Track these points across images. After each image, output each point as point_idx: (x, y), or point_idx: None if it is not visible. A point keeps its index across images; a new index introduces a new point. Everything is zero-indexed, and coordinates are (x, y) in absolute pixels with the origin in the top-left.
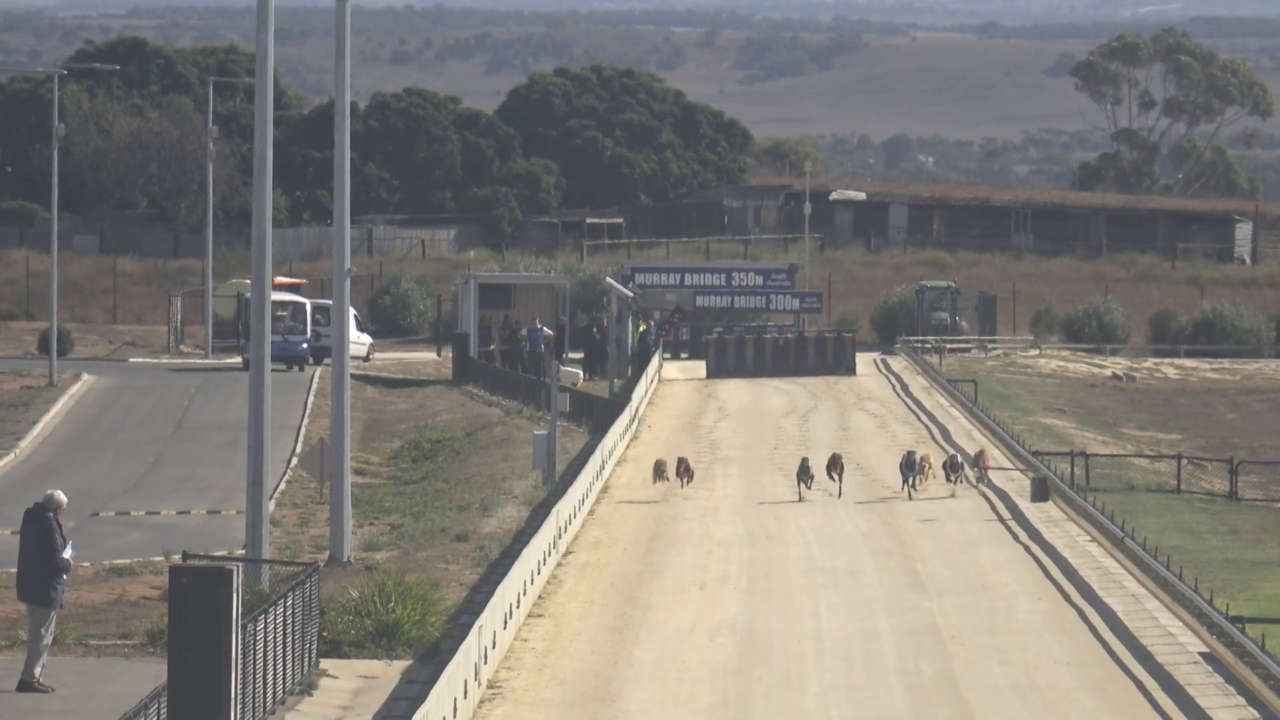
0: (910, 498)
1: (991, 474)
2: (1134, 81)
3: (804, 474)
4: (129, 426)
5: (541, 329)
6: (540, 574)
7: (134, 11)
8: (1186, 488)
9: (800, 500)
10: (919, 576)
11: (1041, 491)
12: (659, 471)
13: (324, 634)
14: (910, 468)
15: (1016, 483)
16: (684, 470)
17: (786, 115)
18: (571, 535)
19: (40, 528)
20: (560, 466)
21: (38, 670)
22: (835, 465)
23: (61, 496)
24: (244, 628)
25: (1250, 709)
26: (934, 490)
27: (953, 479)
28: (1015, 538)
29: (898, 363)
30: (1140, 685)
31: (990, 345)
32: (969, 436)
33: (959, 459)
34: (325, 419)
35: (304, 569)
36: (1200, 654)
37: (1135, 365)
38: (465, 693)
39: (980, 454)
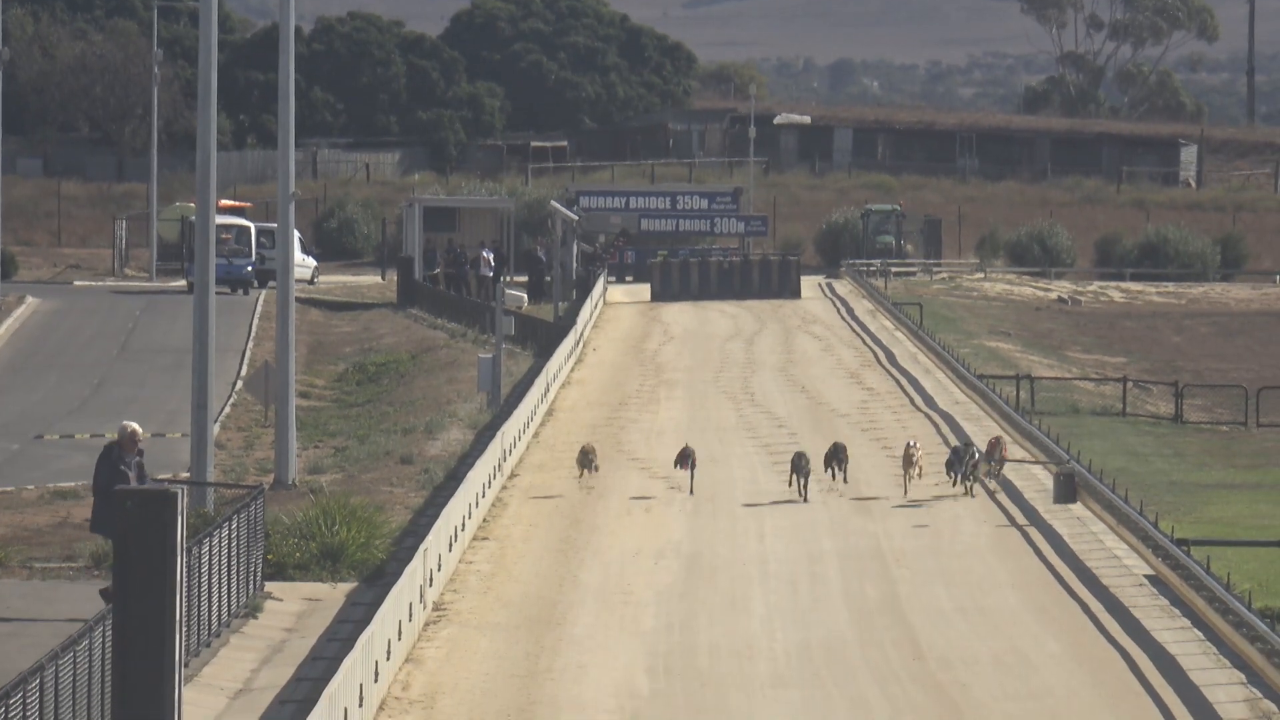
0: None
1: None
2: (1079, 5)
3: (799, 468)
4: (73, 349)
5: (487, 252)
6: (485, 497)
7: None
8: (1131, 411)
9: (803, 499)
10: (862, 502)
11: (1067, 490)
12: (585, 461)
13: (269, 557)
14: (958, 462)
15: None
16: (689, 463)
17: (731, 39)
18: (516, 458)
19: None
20: (505, 389)
21: None
22: (836, 457)
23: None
24: (189, 550)
25: (1195, 630)
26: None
27: (954, 477)
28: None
29: (843, 286)
30: (1085, 608)
31: (935, 269)
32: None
33: (971, 451)
34: (270, 342)
35: (249, 492)
36: (1145, 576)
37: (1080, 289)
38: (410, 615)
39: (997, 442)
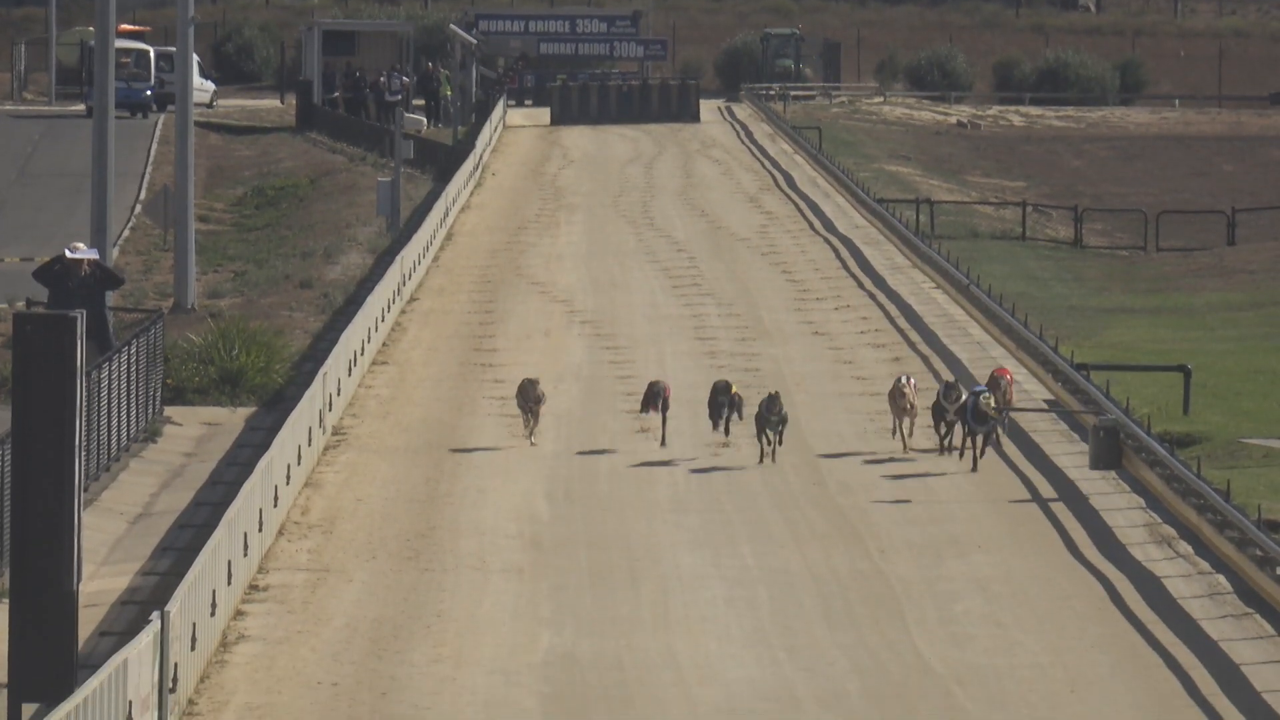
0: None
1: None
2: None
3: (717, 407)
4: None
5: (398, 76)
6: (384, 321)
7: None
8: (1031, 235)
9: (725, 444)
10: (763, 325)
11: (1109, 452)
12: (527, 403)
13: (168, 381)
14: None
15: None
16: (661, 404)
17: None
18: (416, 282)
19: None
20: (404, 214)
21: None
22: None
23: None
24: (88, 375)
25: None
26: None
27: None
28: (860, 285)
29: (742, 110)
30: None
31: (834, 93)
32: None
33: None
34: (169, 166)
35: (148, 316)
36: (1045, 401)
37: (980, 113)
38: (310, 439)
39: (997, 378)
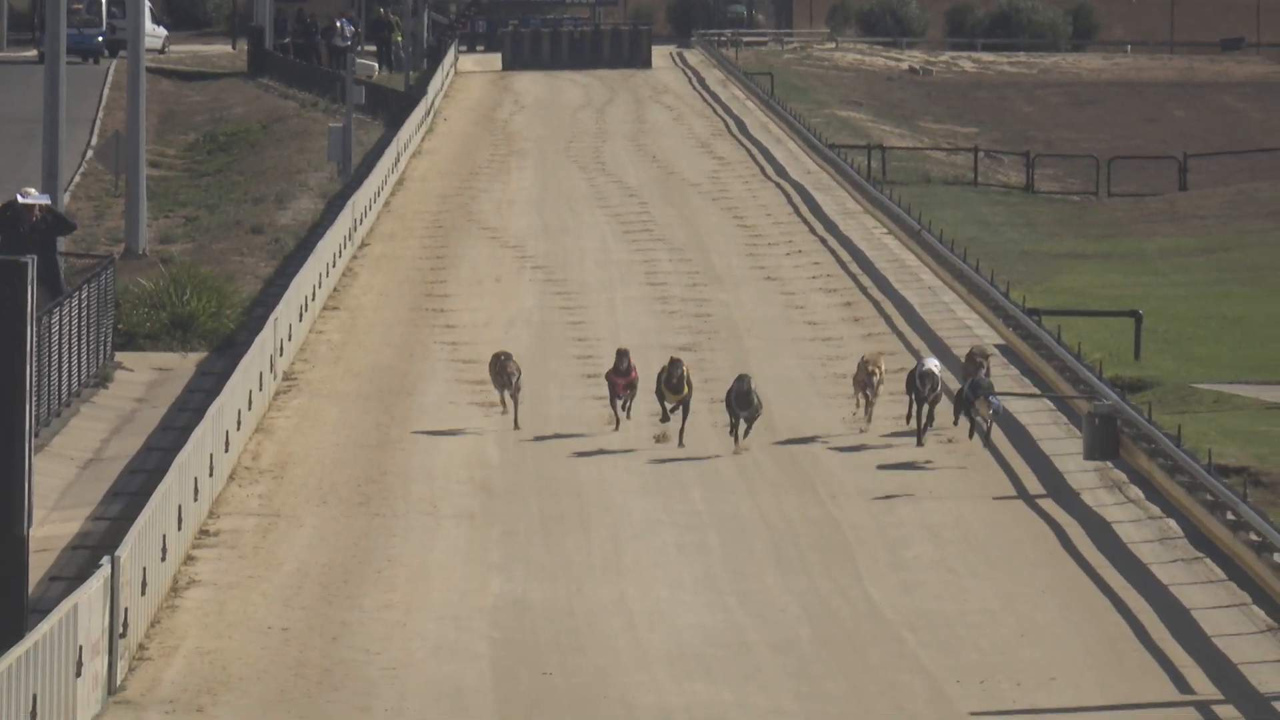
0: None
1: None
2: None
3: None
4: None
5: (349, 22)
6: (335, 266)
7: None
8: (983, 180)
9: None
10: (714, 271)
11: (1104, 441)
12: (502, 378)
13: (119, 326)
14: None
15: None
16: (624, 385)
17: None
18: (367, 228)
19: None
20: (356, 159)
21: None
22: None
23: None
24: (39, 320)
25: (1046, 402)
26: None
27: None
28: (812, 230)
29: (694, 56)
30: None
31: (787, 39)
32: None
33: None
34: (120, 112)
35: (99, 262)
36: (997, 346)
37: (932, 59)
38: (261, 385)
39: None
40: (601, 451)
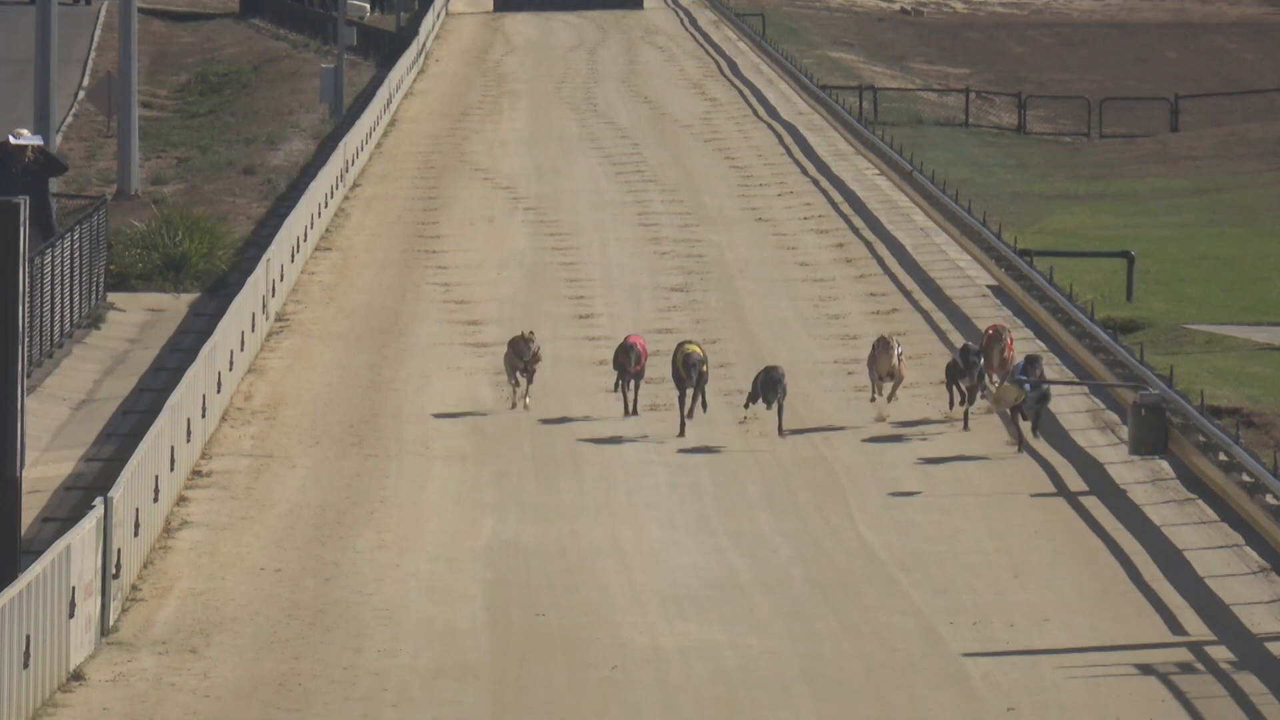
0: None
1: None
2: None
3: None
4: None
5: None
6: (328, 207)
7: None
8: (974, 122)
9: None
10: (706, 212)
11: (1152, 433)
12: (519, 360)
13: (111, 267)
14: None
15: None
16: (635, 363)
17: None
18: (359, 169)
19: None
20: (347, 100)
21: None
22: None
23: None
24: (31, 261)
25: (1038, 341)
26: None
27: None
28: (803, 171)
29: None
30: (927, 316)
31: None
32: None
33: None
34: (112, 53)
35: (91, 202)
36: (989, 287)
37: (923, 0)
38: (253, 326)
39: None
40: (594, 391)
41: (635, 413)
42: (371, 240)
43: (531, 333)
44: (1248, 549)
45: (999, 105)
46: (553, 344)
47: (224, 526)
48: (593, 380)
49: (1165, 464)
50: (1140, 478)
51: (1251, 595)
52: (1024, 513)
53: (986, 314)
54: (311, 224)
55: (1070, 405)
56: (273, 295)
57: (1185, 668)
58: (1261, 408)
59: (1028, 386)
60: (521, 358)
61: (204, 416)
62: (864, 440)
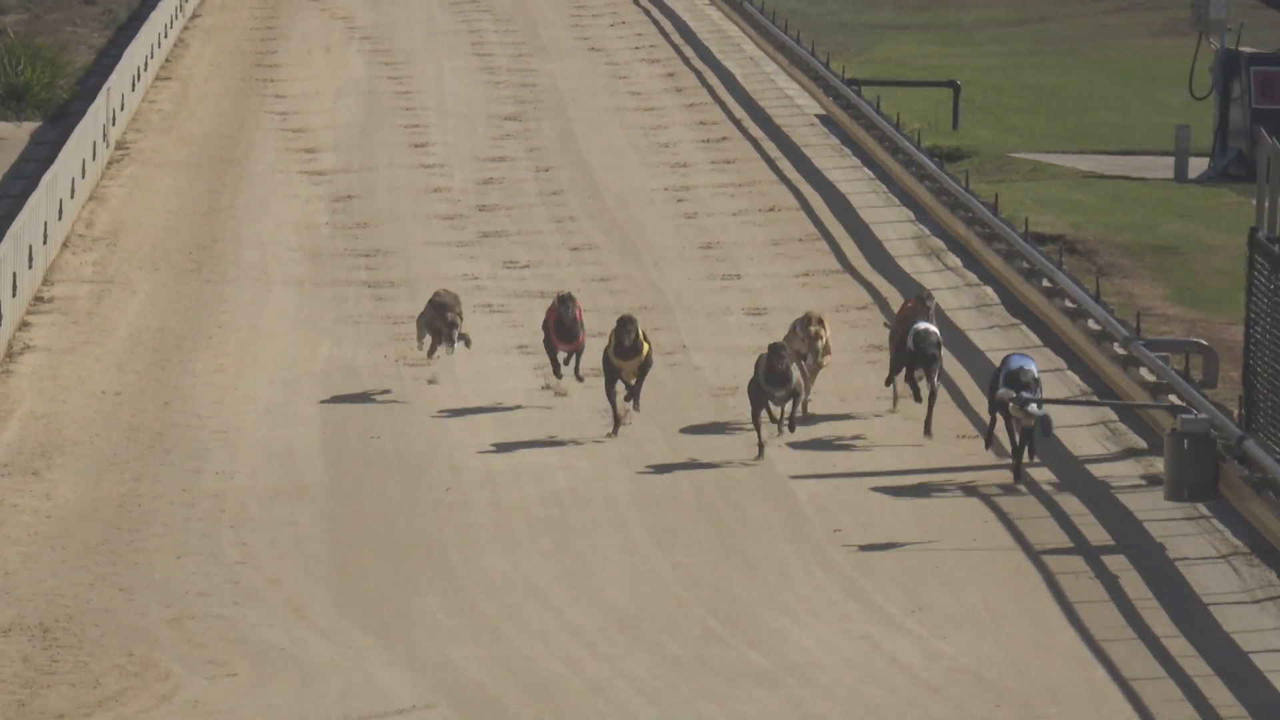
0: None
1: None
2: None
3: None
4: None
5: None
6: (168, 37)
7: None
8: None
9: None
10: (540, 41)
11: (1199, 472)
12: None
13: None
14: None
15: None
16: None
17: None
18: None
19: None
20: None
21: None
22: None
23: None
24: None
25: (865, 170)
26: None
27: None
28: (636, 1)
29: None
30: (757, 145)
31: None
32: None
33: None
34: None
35: None
36: (817, 116)
37: None
38: (94, 154)
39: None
40: (429, 219)
41: (579, 379)
42: (211, 70)
43: (456, 295)
44: (1070, 373)
45: None
46: (388, 171)
47: (65, 351)
48: (427, 206)
49: (990, 290)
50: (965, 303)
51: (1074, 419)
52: (849, 336)
53: (814, 141)
54: (152, 54)
55: (897, 232)
56: (113, 124)
57: (1008, 490)
58: (1084, 234)
59: (1035, 407)
60: (443, 316)
61: (45, 243)
62: (691, 265)
